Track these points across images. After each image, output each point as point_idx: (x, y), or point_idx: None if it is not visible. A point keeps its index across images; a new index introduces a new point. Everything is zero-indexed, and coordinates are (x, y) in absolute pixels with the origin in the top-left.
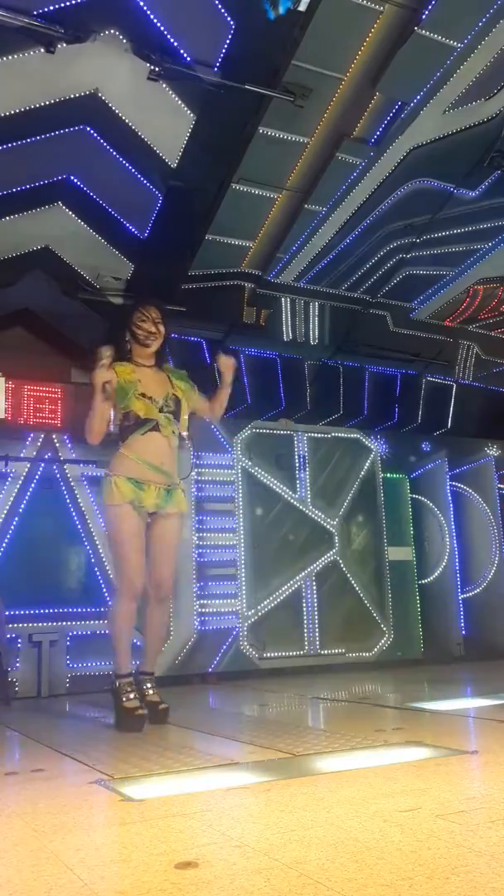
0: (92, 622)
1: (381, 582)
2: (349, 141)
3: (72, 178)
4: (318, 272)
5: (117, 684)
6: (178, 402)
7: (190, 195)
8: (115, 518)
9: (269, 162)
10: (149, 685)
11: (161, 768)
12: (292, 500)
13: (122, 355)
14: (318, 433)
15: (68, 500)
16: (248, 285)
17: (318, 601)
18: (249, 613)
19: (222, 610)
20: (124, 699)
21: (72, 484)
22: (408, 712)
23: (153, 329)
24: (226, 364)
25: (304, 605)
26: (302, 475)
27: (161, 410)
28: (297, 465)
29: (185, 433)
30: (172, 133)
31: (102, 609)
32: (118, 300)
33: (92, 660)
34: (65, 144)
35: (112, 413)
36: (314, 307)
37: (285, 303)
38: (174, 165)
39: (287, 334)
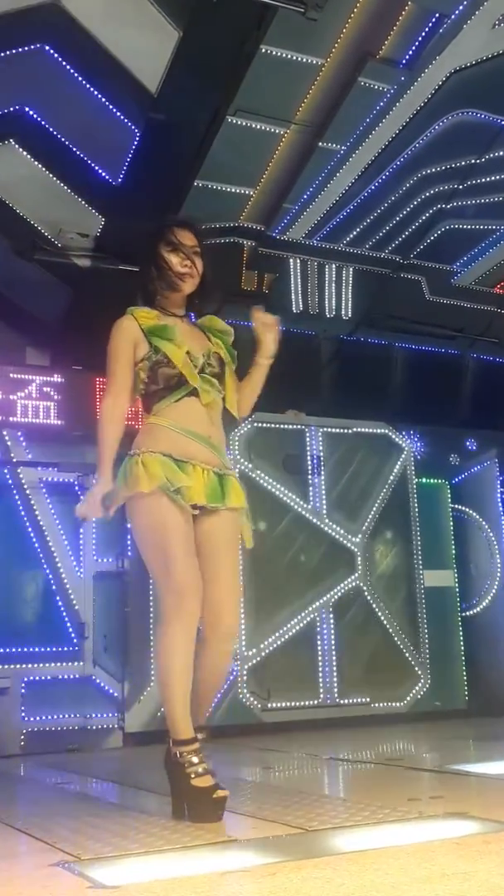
0: (52, 665)
1: (415, 614)
2: (374, 62)
3: (26, 109)
4: (336, 227)
5: (178, 755)
6: (221, 362)
7: (174, 131)
8: (146, 512)
9: (273, 89)
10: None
11: (140, 847)
12: (304, 512)
13: (146, 300)
14: (335, 428)
15: (23, 513)
16: (247, 243)
17: (337, 638)
18: (250, 654)
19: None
20: (192, 775)
21: (27, 492)
22: (448, 777)
23: (187, 263)
24: (265, 322)
25: (319, 642)
26: (316, 480)
27: (203, 371)
28: (310, 468)
29: (231, 408)
30: (153, 53)
31: (67, 648)
32: (84, 262)
33: (53, 712)
34: (18, 67)
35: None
36: (331, 270)
37: (294, 265)
38: (155, 93)
39: (297, 305)
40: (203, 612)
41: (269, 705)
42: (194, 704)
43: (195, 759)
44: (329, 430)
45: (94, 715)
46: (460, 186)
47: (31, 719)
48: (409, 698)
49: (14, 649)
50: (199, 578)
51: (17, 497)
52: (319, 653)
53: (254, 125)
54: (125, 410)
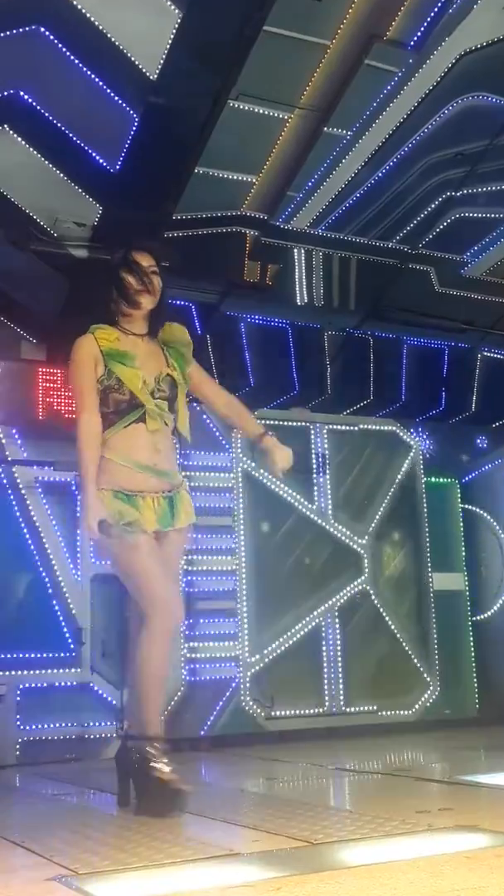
0: (49, 671)
1: (424, 618)
2: (381, 44)
3: (21, 93)
4: (342, 215)
5: (147, 750)
6: (173, 384)
7: (175, 116)
8: (113, 539)
9: (277, 72)
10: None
11: (139, 860)
12: (308, 513)
13: (109, 318)
14: (341, 425)
15: (18, 513)
16: (250, 233)
17: (343, 643)
18: (253, 660)
19: (218, 655)
20: (158, 767)
21: (23, 492)
22: (459, 788)
23: (143, 283)
24: (282, 459)
25: (325, 648)
26: (321, 480)
27: (152, 395)
28: (315, 466)
29: (184, 431)
30: (152, 34)
31: (64, 654)
32: (82, 252)
33: (49, 720)
34: (11, 49)
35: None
36: (336, 261)
37: (299, 255)
38: (154, 77)
39: (301, 296)
40: (137, 611)
41: (273, 713)
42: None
43: (164, 757)
44: (334, 427)
45: (91, 723)
46: (470, 173)
47: (27, 728)
48: (417, 706)
49: (8, 655)
50: (174, 590)
51: (11, 497)
52: (324, 659)
53: (257, 110)
54: (100, 427)
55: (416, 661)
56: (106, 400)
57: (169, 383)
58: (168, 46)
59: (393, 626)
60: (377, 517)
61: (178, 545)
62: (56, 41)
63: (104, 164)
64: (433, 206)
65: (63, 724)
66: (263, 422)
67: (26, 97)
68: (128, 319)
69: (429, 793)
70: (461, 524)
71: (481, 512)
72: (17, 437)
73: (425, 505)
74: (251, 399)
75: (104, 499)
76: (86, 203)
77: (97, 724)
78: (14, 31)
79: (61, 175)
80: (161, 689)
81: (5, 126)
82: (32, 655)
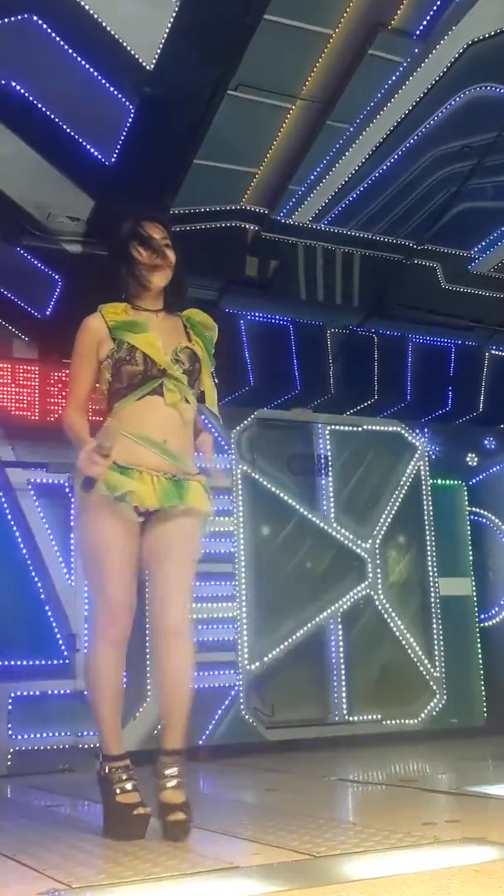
0: (41, 679)
1: (430, 624)
2: (386, 33)
3: (13, 84)
4: (345, 209)
5: (106, 770)
6: (194, 357)
7: (172, 107)
8: (87, 526)
9: (278, 62)
10: (167, 773)
11: (135, 874)
12: (311, 516)
13: (118, 297)
14: (344, 426)
15: (9, 516)
16: (250, 227)
17: (346, 650)
18: (253, 667)
19: (216, 661)
20: (117, 790)
21: (15, 494)
22: (466, 799)
23: (155, 258)
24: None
25: (327, 655)
26: (323, 482)
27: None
28: (317, 468)
29: (213, 407)
30: (148, 23)
31: (57, 662)
32: (76, 248)
33: (41, 730)
34: (3, 38)
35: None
36: (339, 256)
37: (301, 250)
38: (151, 67)
39: (303, 293)
40: (152, 614)
41: (273, 722)
42: (165, 719)
43: (123, 776)
44: (337, 428)
45: (85, 733)
46: (478, 166)
47: (19, 738)
48: (423, 715)
49: (0, 663)
50: (132, 596)
51: (3, 499)
52: (327, 666)
53: (257, 100)
54: (87, 420)
55: (421, 668)
56: (119, 375)
57: (189, 355)
58: (165, 35)
59: (397, 633)
60: (381, 520)
61: (183, 532)
62: (49, 30)
63: (99, 156)
64: (439, 199)
65: (56, 734)
66: (263, 422)
67: (18, 88)
68: (140, 297)
69: (435, 804)
70: (468, 528)
71: (489, 515)
72: (8, 438)
73: (431, 508)
74: (251, 399)
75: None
76: (80, 197)
77: (91, 733)
78: (5, 20)
79: (54, 168)
80: (115, 705)
81: None
82: (24, 663)
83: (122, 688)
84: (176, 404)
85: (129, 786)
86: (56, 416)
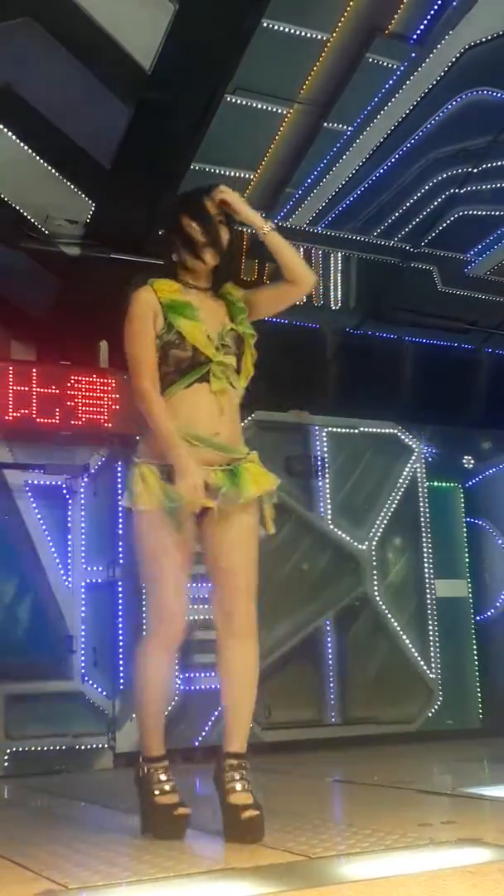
0: (38, 680)
1: (426, 626)
2: (383, 37)
3: (11, 87)
4: (342, 213)
5: (146, 770)
6: (239, 341)
7: (170, 111)
8: (143, 531)
9: (275, 66)
10: (236, 776)
11: (131, 875)
12: (307, 518)
13: (168, 272)
14: (341, 428)
15: (6, 516)
16: (247, 230)
17: (342, 651)
18: None
19: (212, 662)
20: (156, 791)
21: (13, 495)
22: (462, 800)
23: (209, 234)
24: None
25: (323, 656)
26: (320, 484)
27: (216, 350)
28: (314, 470)
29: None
30: (147, 26)
31: (53, 663)
32: (74, 250)
33: (38, 731)
34: (1, 41)
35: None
36: (336, 259)
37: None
38: (149, 71)
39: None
40: (217, 613)
41: (269, 723)
42: (228, 722)
43: (163, 777)
44: (334, 430)
45: (83, 734)
46: (474, 170)
47: (16, 739)
48: (419, 717)
49: None
50: (185, 603)
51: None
52: (323, 667)
53: (254, 104)
54: (162, 400)
55: (417, 670)
56: (166, 358)
57: (234, 338)
58: (163, 39)
59: (394, 634)
60: (378, 522)
61: (245, 526)
62: (48, 32)
63: (97, 159)
64: (436, 203)
65: (53, 735)
66: (259, 424)
67: (16, 91)
68: (191, 273)
69: (431, 805)
70: (464, 530)
71: (486, 517)
72: (5, 440)
73: (427, 510)
74: (247, 401)
75: (146, 477)
76: (78, 200)
77: (88, 734)
78: (4, 22)
79: (52, 171)
80: (160, 708)
81: None
82: (22, 662)
83: (170, 692)
84: (222, 392)
85: (168, 787)
86: (56, 417)
